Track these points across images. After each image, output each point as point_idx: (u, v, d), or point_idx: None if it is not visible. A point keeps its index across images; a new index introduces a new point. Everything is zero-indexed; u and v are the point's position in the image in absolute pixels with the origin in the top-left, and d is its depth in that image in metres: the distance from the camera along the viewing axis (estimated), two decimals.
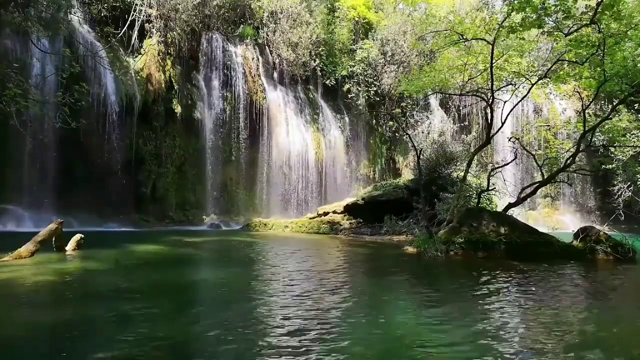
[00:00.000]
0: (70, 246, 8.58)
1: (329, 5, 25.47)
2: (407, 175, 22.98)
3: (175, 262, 8.37)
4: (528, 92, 12.81)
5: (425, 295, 5.65)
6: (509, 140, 14.82)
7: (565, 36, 10.41)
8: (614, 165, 18.38)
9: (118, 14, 18.45)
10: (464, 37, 11.58)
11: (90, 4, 17.87)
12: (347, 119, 25.21)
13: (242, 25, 22.52)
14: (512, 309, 4.86)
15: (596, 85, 11.21)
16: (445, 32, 12.49)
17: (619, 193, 19.96)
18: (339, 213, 17.28)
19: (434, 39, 16.07)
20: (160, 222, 18.34)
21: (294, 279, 6.57)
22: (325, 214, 17.58)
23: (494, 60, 11.11)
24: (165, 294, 5.45)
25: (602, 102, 19.87)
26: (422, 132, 17.99)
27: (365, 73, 24.89)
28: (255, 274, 7.27)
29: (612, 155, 17.84)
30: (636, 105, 17.35)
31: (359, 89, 24.84)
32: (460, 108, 27.00)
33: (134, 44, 18.84)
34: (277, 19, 22.97)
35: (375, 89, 24.98)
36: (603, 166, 18.51)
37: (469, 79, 13.34)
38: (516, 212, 13.79)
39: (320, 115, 24.30)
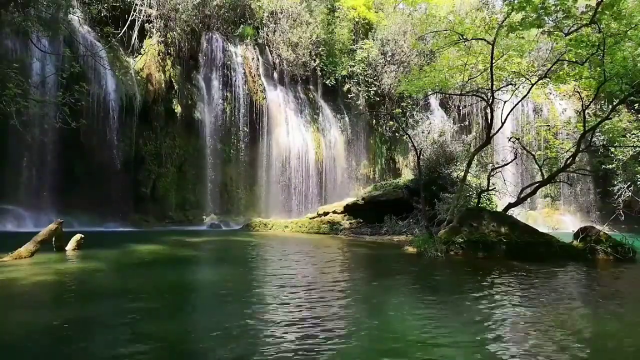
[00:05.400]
0: (70, 246, 8.59)
1: (329, 5, 25.45)
2: (407, 175, 22.97)
3: (175, 262, 8.36)
4: (528, 92, 12.80)
5: (426, 296, 5.65)
6: (509, 140, 14.80)
7: (565, 36, 10.40)
8: (614, 165, 18.39)
9: (118, 14, 18.45)
10: (464, 37, 11.56)
11: (90, 4, 17.86)
12: (347, 119, 25.20)
13: (242, 25, 22.52)
14: (513, 310, 4.85)
15: (596, 85, 11.19)
16: (445, 32, 12.47)
17: (619, 193, 19.96)
18: (339, 213, 17.27)
19: (434, 39, 16.03)
20: (160, 222, 18.34)
21: (293, 279, 6.57)
22: (326, 214, 17.57)
23: (494, 60, 11.10)
24: (165, 294, 5.45)
25: (602, 102, 19.84)
26: (422, 132, 17.89)
27: (365, 73, 24.87)
28: (255, 274, 7.27)
29: (612, 155, 17.83)
30: (636, 105, 17.37)
31: (359, 89, 24.82)
32: (460, 108, 26.98)
33: (134, 44, 18.85)
34: (277, 19, 22.97)
35: (375, 89, 24.96)
36: (603, 166, 18.54)
37: (469, 79, 13.31)
38: (516, 212, 13.76)
39: (320, 115, 24.29)
